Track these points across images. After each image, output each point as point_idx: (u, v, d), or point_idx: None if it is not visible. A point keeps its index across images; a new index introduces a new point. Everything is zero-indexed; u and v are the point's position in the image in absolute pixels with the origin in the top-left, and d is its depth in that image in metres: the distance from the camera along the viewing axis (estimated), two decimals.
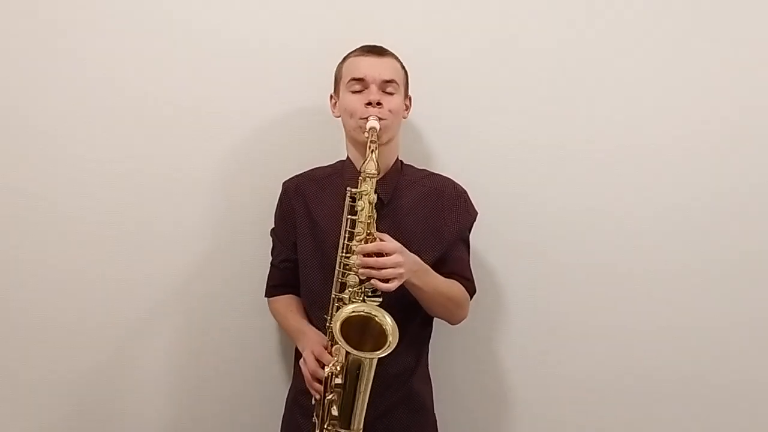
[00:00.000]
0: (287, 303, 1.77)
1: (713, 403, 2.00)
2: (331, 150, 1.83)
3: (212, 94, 1.86)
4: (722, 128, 1.92)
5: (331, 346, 1.53)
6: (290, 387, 1.80)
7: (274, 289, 1.81)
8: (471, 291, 1.70)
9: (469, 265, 1.73)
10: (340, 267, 1.52)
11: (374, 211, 1.50)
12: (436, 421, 1.79)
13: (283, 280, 1.78)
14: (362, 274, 1.46)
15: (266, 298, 1.83)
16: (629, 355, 1.99)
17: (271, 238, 1.80)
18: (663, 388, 2.00)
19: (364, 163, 1.50)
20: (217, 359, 1.95)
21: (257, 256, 1.86)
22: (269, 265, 1.81)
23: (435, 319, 1.75)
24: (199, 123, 1.87)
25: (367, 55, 1.64)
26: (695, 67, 1.91)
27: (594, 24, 1.91)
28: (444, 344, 1.92)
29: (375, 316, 1.45)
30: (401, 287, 1.48)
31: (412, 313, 1.64)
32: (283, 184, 1.77)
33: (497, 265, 1.97)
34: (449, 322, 1.71)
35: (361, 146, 1.63)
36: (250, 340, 1.96)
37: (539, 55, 1.92)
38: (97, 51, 1.81)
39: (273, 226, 1.80)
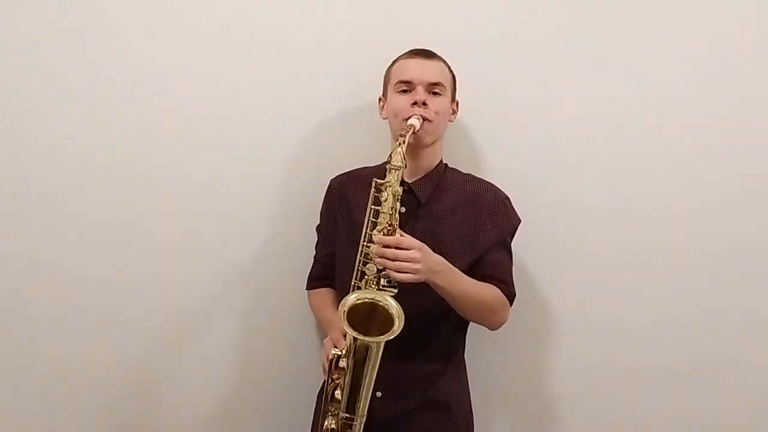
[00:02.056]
0: (323, 296, 1.81)
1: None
2: (379, 149, 1.84)
3: (261, 97, 1.93)
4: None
5: None
6: (323, 380, 1.80)
7: (314, 281, 1.86)
8: (509, 295, 1.65)
9: (509, 269, 1.69)
10: (360, 256, 1.55)
11: (397, 203, 1.51)
12: (470, 423, 1.76)
13: (323, 273, 1.83)
14: (378, 263, 1.47)
15: (306, 291, 1.88)
16: (675, 356, 1.96)
17: (316, 233, 1.86)
18: (706, 389, 1.97)
19: (391, 154, 1.53)
20: (256, 350, 2.00)
21: (304, 252, 1.91)
22: (312, 259, 1.87)
23: (471, 325, 1.73)
24: (250, 125, 1.94)
25: (414, 58, 1.68)
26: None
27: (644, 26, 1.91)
28: (481, 347, 1.90)
29: (379, 301, 1.46)
30: (433, 292, 1.49)
31: (442, 321, 1.64)
32: (330, 181, 1.83)
33: (536, 269, 1.95)
34: (487, 327, 1.67)
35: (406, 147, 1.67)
36: (290, 333, 1.99)
37: (589, 60, 1.92)
38: (155, 57, 1.89)
39: (318, 222, 1.86)
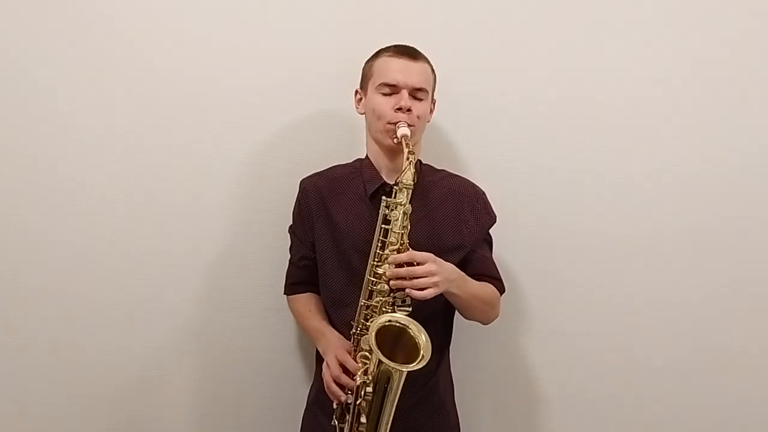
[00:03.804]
0: (306, 302, 1.77)
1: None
2: (349, 148, 1.84)
3: (230, 95, 1.86)
4: None
5: (356, 351, 1.55)
6: (311, 386, 1.81)
7: (293, 287, 1.80)
8: (501, 290, 1.71)
9: (495, 264, 1.74)
10: (369, 275, 1.53)
11: (408, 221, 1.50)
12: (458, 421, 1.82)
13: (302, 277, 1.78)
14: (393, 285, 1.46)
15: (285, 296, 1.83)
16: (653, 352, 2.06)
17: (289, 236, 1.79)
18: (691, 386, 2.08)
19: (401, 173, 1.50)
20: (238, 358, 1.96)
21: (277, 255, 1.87)
22: (287, 263, 1.82)
23: (456, 320, 1.77)
24: (218, 123, 1.87)
25: (401, 58, 1.62)
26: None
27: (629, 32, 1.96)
28: (466, 345, 1.96)
29: (410, 328, 1.47)
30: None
31: (433, 318, 1.65)
32: (301, 182, 1.76)
33: (517, 265, 2.00)
34: (483, 323, 1.71)
35: (383, 147, 1.64)
36: (271, 338, 1.97)
37: (562, 59, 1.96)
38: (123, 52, 1.80)
39: (291, 223, 1.79)
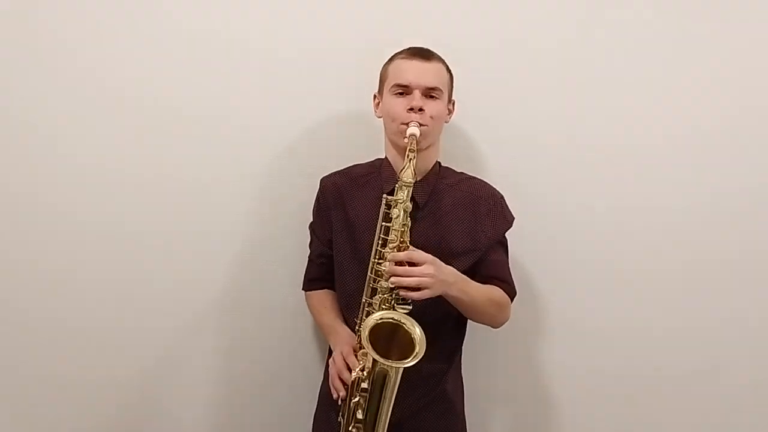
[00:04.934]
0: (322, 299, 1.80)
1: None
2: (369, 148, 1.84)
3: (250, 95, 1.90)
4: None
5: (360, 348, 1.56)
6: (322, 381, 1.83)
7: (310, 282, 1.84)
8: (511, 294, 1.69)
9: (508, 267, 1.72)
10: (371, 273, 1.54)
11: (408, 219, 1.50)
12: (465, 424, 1.81)
13: (319, 274, 1.82)
14: (391, 282, 1.47)
15: (303, 291, 1.87)
16: (671, 355, 2.01)
17: (309, 232, 1.83)
18: (702, 388, 2.03)
19: (401, 171, 1.51)
20: (254, 354, 2.00)
21: (296, 253, 1.90)
22: (307, 259, 1.85)
23: (468, 322, 1.76)
24: (238, 123, 1.90)
25: (413, 59, 1.63)
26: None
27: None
28: (478, 347, 1.94)
29: (404, 324, 1.47)
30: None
31: (445, 319, 1.66)
32: (321, 180, 1.79)
33: (531, 267, 1.98)
34: (491, 327, 1.70)
35: (400, 149, 1.64)
36: (288, 335, 2.00)
37: (581, 60, 1.93)
38: (143, 57, 1.85)
39: (311, 220, 1.83)
